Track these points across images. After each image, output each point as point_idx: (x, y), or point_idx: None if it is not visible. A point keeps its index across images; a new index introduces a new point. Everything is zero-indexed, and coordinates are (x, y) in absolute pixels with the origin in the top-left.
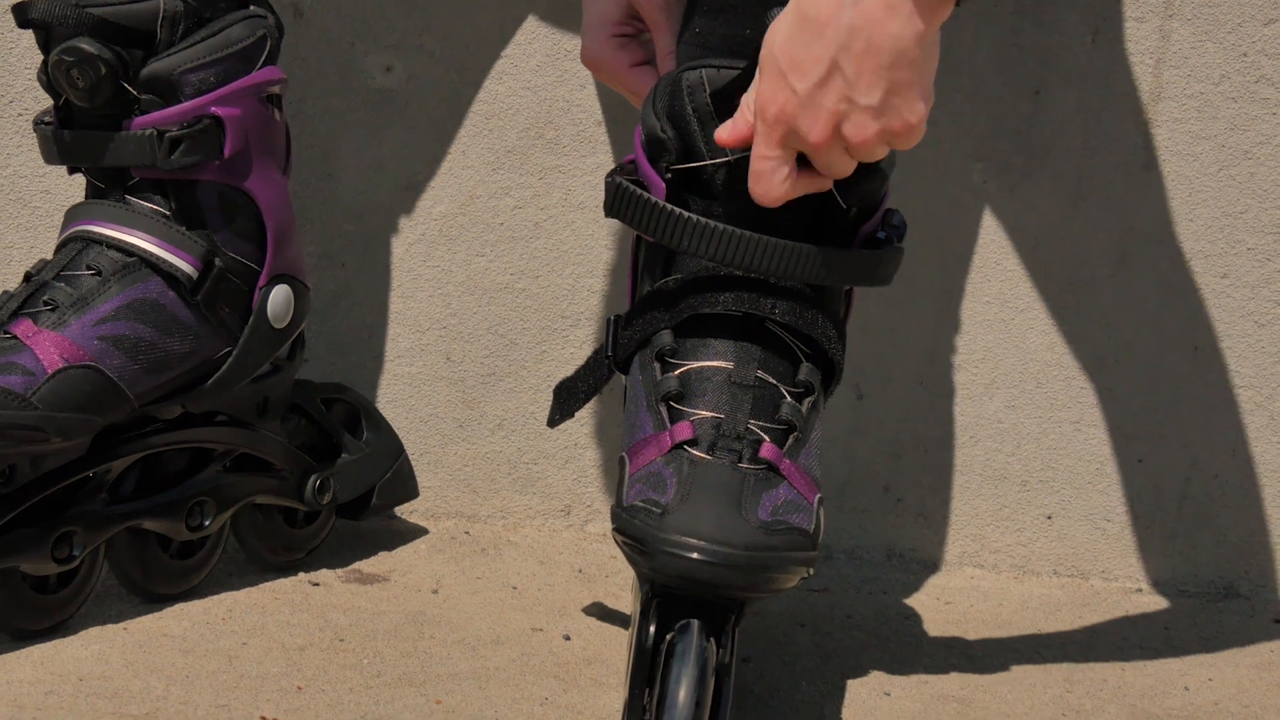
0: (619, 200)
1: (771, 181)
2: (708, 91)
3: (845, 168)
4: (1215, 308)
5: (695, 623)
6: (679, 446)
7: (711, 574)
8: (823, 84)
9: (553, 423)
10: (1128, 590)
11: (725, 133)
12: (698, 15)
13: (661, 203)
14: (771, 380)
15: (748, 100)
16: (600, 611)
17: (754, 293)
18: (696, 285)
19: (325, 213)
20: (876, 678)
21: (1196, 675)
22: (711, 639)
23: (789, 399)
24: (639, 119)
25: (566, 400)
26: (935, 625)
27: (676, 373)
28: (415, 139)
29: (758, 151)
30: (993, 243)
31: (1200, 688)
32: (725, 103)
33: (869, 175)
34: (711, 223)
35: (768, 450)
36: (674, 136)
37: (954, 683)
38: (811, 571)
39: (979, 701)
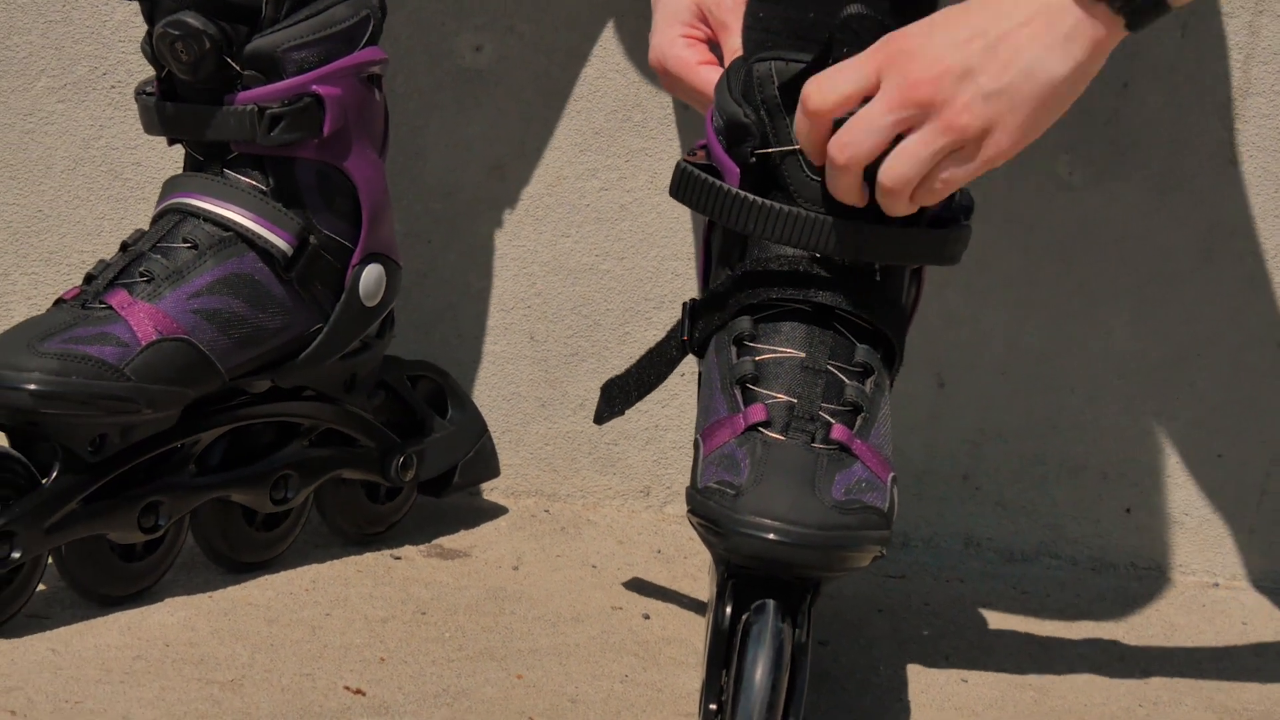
0: (685, 185)
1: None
2: (776, 85)
3: (921, 167)
4: None
5: (771, 603)
6: (753, 428)
7: (787, 554)
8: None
9: (601, 419)
10: (1205, 585)
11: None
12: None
13: (732, 188)
14: (837, 364)
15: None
16: (679, 592)
17: (826, 281)
18: (773, 274)
19: (412, 191)
20: (953, 664)
21: (1274, 670)
22: (787, 619)
23: (851, 381)
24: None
25: (618, 396)
26: (1012, 614)
27: (752, 358)
28: (503, 119)
29: (871, 117)
30: (1077, 234)
31: (1278, 683)
32: (792, 96)
33: None
34: (780, 205)
35: (839, 431)
36: (756, 120)
37: (1030, 671)
38: (885, 551)
39: (1055, 690)
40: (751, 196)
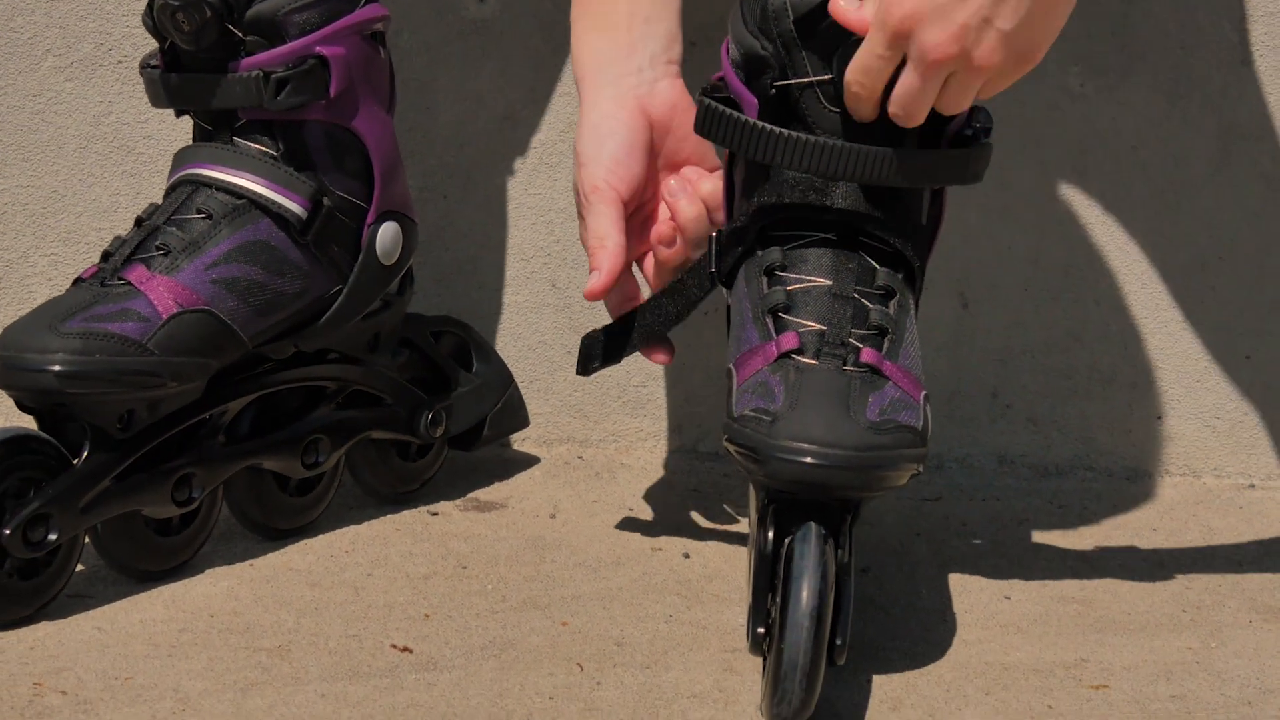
0: (710, 119)
1: (875, 81)
2: (791, 19)
3: (929, 99)
4: None
5: (813, 525)
6: (785, 355)
7: (825, 476)
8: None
9: (585, 371)
10: (1240, 486)
11: (845, 10)
12: None
13: (755, 121)
14: (863, 289)
15: None
16: (717, 529)
17: (852, 209)
18: (797, 205)
19: (425, 146)
20: (995, 583)
21: None
22: (829, 541)
23: (875, 305)
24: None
25: (613, 345)
26: (1050, 529)
27: (783, 287)
28: (511, 68)
29: (869, 48)
30: (1092, 145)
31: None
32: (809, 28)
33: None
34: (803, 135)
35: (868, 354)
36: (774, 53)
37: (1073, 585)
38: (921, 469)
39: (1099, 602)
40: (774, 128)
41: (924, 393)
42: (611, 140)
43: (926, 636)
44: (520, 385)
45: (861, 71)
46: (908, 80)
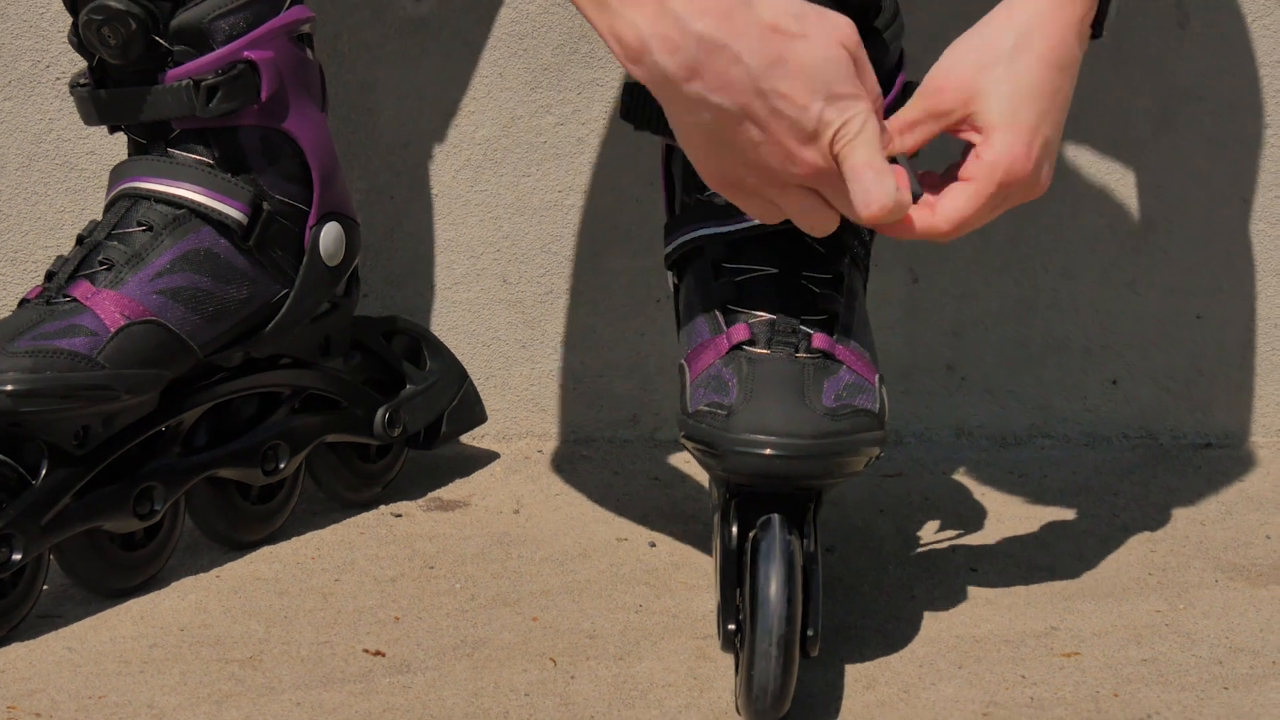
0: (636, 106)
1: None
2: None
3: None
4: (1261, 158)
5: (776, 517)
6: (737, 347)
7: (785, 467)
8: (1048, 140)
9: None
10: (1198, 446)
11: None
12: None
13: None
14: (810, 275)
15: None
16: (681, 516)
17: None
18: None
19: (370, 147)
20: (961, 555)
21: (1276, 523)
22: (794, 531)
23: (824, 290)
24: None
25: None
26: (1012, 499)
27: (731, 279)
28: (452, 65)
29: (980, 209)
30: None
31: None
32: None
33: None
34: None
35: (819, 340)
36: None
37: (1038, 553)
38: (881, 452)
39: (1065, 569)
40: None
41: (878, 375)
42: None
43: (896, 613)
44: (476, 382)
45: (961, 226)
46: (979, 211)
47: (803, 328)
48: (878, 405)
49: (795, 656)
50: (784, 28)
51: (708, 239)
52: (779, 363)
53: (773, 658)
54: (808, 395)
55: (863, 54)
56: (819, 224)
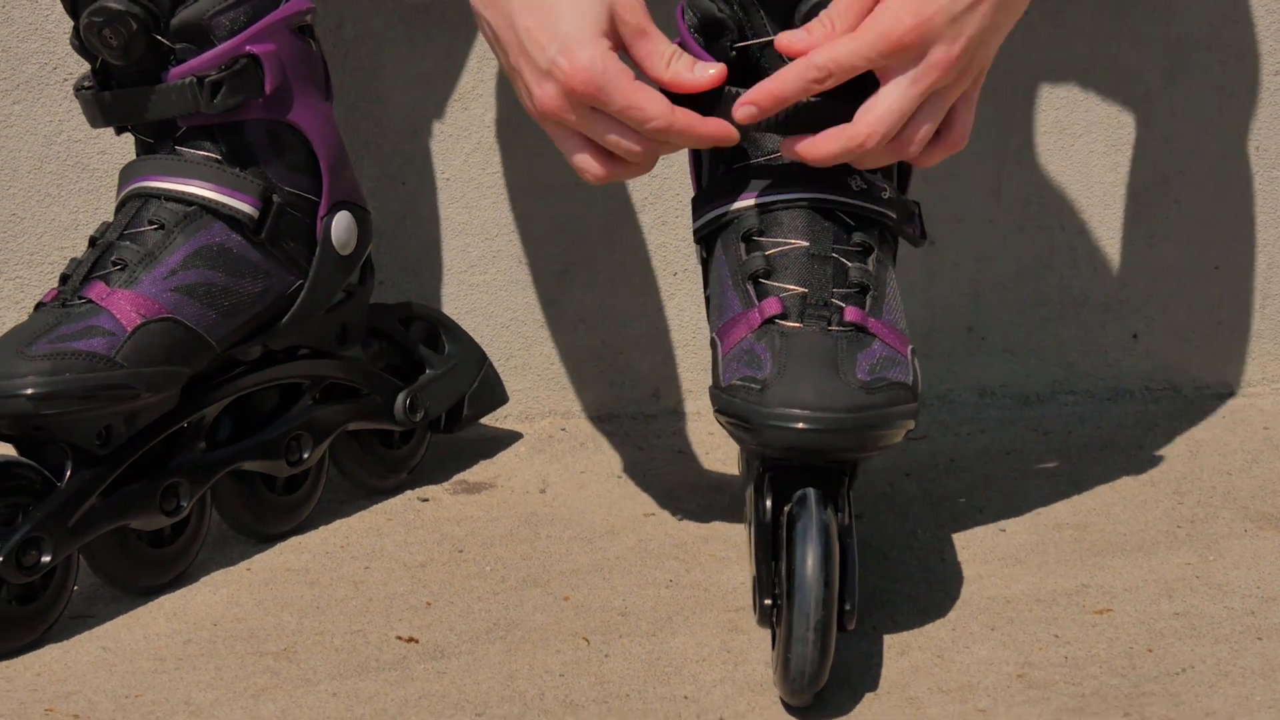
0: None
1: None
2: None
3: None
4: (1272, 104)
5: (811, 492)
6: (769, 321)
7: (820, 440)
8: (974, 6)
9: None
10: (1221, 396)
11: (795, 40)
12: None
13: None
14: (840, 248)
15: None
16: (707, 489)
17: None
18: (773, 168)
19: (379, 135)
20: (989, 515)
21: None
22: (829, 506)
23: (854, 263)
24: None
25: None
26: (1037, 457)
27: (762, 252)
28: (457, 49)
29: (852, 62)
30: (1044, 72)
31: None
32: None
33: None
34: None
35: (852, 313)
36: (732, 14)
37: (1066, 510)
38: (915, 424)
39: (1094, 525)
40: (736, 90)
41: (910, 347)
42: None
43: (927, 576)
44: (497, 363)
45: (895, 114)
46: (901, 103)
47: (835, 300)
48: (911, 378)
49: (833, 639)
50: None
51: (738, 212)
52: (812, 336)
53: (810, 642)
54: (841, 369)
55: (643, 21)
56: (585, 168)
